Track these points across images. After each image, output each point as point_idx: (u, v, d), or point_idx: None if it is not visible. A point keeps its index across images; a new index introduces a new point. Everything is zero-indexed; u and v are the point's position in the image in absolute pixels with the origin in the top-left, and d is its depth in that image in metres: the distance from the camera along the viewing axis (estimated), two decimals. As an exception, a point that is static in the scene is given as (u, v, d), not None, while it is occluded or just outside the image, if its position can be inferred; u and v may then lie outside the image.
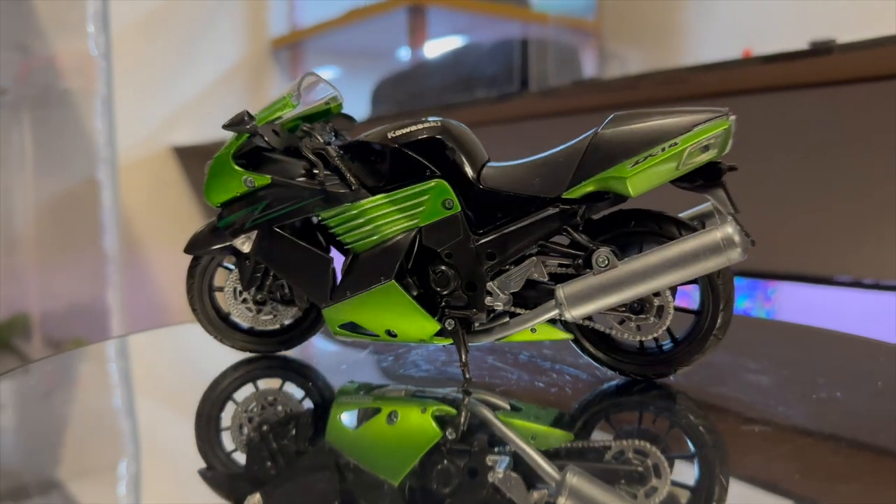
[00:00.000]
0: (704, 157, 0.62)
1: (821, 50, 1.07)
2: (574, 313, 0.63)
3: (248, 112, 0.69)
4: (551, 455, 0.50)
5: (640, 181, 0.62)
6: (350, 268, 0.69)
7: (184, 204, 2.64)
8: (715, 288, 0.64)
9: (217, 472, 0.52)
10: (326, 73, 3.02)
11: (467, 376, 0.67)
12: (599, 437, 0.56)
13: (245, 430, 0.60)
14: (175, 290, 2.62)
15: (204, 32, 2.63)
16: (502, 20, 2.43)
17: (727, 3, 2.22)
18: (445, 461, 0.50)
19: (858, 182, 1.26)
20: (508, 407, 0.61)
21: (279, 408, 0.67)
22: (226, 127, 0.70)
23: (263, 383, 0.74)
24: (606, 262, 0.62)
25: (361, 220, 0.68)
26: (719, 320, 0.63)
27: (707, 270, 0.61)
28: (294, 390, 0.72)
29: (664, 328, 0.64)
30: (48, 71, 1.65)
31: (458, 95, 1.70)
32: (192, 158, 2.63)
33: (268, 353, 0.79)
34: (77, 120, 1.67)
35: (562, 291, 0.63)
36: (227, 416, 0.63)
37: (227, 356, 0.79)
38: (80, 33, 1.59)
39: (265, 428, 0.61)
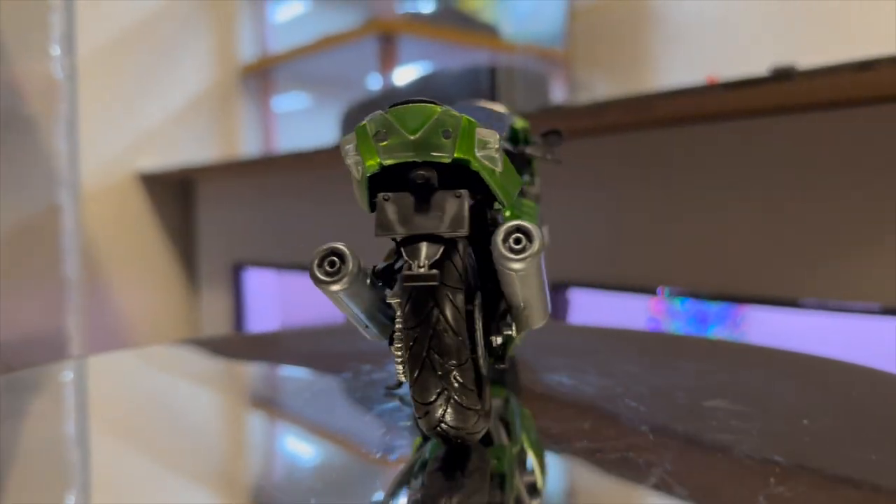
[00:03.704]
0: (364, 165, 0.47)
1: (781, 76, 1.09)
2: None
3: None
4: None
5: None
6: None
7: (150, 231, 2.61)
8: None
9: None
10: (297, 99, 3.02)
11: (390, 384, 0.65)
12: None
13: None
14: (138, 320, 2.57)
15: (173, 58, 2.63)
16: (472, 49, 2.46)
17: (694, 32, 2.27)
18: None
19: (821, 205, 1.28)
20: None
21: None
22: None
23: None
24: None
25: None
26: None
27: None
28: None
29: (399, 374, 0.49)
30: (12, 94, 1.63)
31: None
32: (158, 185, 2.60)
33: None
34: (40, 144, 1.64)
35: None
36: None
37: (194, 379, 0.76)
38: (44, 56, 1.57)
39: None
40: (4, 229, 1.61)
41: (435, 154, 0.45)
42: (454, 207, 0.46)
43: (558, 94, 2.55)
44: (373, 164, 0.46)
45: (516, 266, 0.44)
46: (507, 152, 0.77)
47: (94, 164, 2.42)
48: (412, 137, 0.45)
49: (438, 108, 0.45)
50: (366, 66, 2.45)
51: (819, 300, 1.30)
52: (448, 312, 0.46)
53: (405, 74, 2.33)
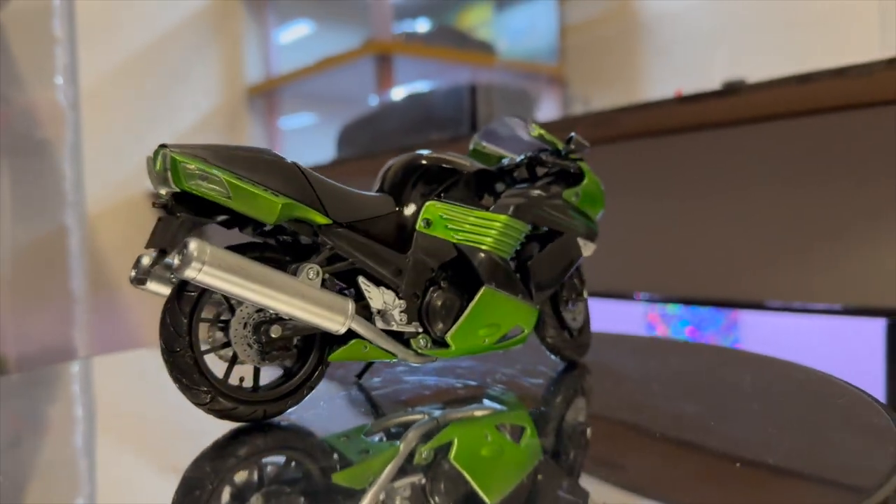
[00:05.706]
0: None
1: (731, 90, 1.14)
2: None
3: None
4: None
5: None
6: None
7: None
8: None
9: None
10: (302, 117, 3.11)
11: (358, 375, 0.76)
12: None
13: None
14: (148, 333, 2.65)
15: (182, 80, 2.73)
16: (466, 67, 2.53)
17: (685, 44, 2.32)
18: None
19: (785, 212, 1.32)
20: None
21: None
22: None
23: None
24: None
25: None
26: None
27: None
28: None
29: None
30: (25, 120, 1.72)
31: (415, 137, 1.78)
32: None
33: None
34: (50, 168, 1.74)
35: None
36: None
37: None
38: (52, 85, 1.66)
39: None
40: (22, 249, 1.70)
41: (167, 185, 0.56)
42: (165, 227, 0.58)
43: (552, 108, 2.61)
44: (161, 195, 0.58)
45: (183, 275, 0.54)
46: (539, 162, 0.80)
47: (106, 183, 2.52)
48: (158, 173, 0.57)
49: (163, 149, 0.56)
50: (365, 84, 2.52)
51: (784, 302, 1.34)
52: (170, 312, 0.58)
53: (401, 93, 2.41)
